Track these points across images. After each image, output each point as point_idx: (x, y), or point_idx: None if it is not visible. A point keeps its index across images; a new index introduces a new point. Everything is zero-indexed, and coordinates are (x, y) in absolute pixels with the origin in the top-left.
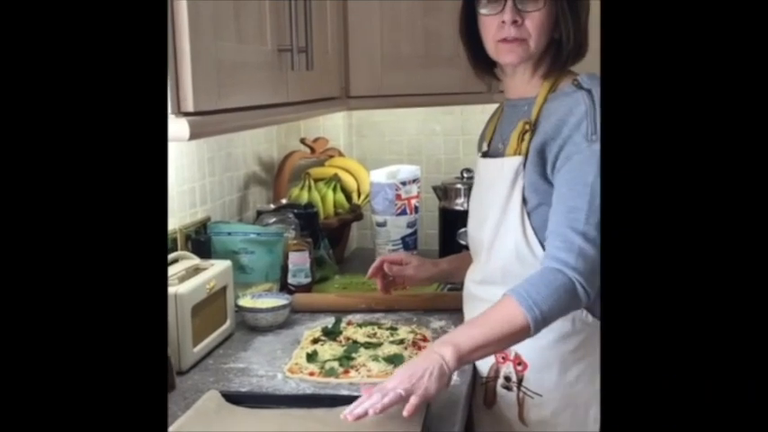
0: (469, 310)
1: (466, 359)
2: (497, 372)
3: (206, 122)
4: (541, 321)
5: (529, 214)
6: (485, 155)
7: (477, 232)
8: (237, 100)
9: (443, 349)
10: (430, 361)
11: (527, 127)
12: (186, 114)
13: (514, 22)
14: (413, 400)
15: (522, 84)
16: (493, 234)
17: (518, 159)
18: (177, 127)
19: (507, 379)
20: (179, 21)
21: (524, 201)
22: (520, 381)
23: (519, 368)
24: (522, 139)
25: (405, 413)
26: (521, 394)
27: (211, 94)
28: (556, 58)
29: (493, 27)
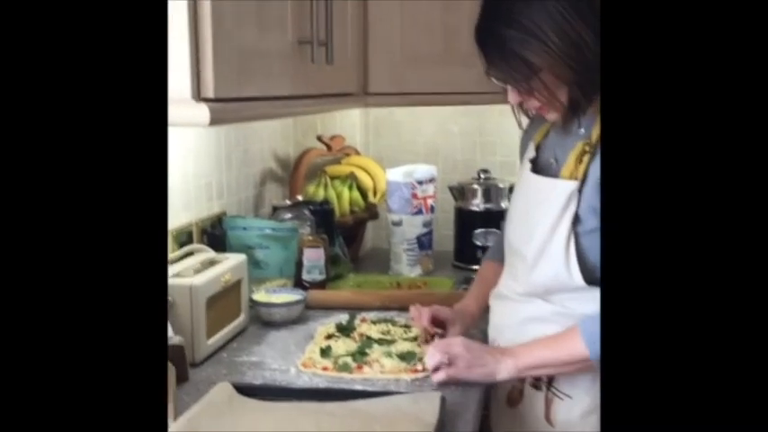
0: (499, 309)
1: (522, 374)
2: None
3: (226, 109)
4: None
5: (579, 235)
6: (535, 169)
7: (520, 245)
8: (257, 89)
9: (506, 359)
10: (491, 360)
11: (587, 149)
12: (207, 101)
13: (520, 103)
14: (442, 375)
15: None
16: (537, 254)
17: (573, 185)
18: (198, 112)
19: (537, 378)
20: (201, 6)
21: (580, 222)
22: (550, 381)
23: None
24: (581, 161)
25: (434, 379)
26: (549, 394)
27: (232, 81)
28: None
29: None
